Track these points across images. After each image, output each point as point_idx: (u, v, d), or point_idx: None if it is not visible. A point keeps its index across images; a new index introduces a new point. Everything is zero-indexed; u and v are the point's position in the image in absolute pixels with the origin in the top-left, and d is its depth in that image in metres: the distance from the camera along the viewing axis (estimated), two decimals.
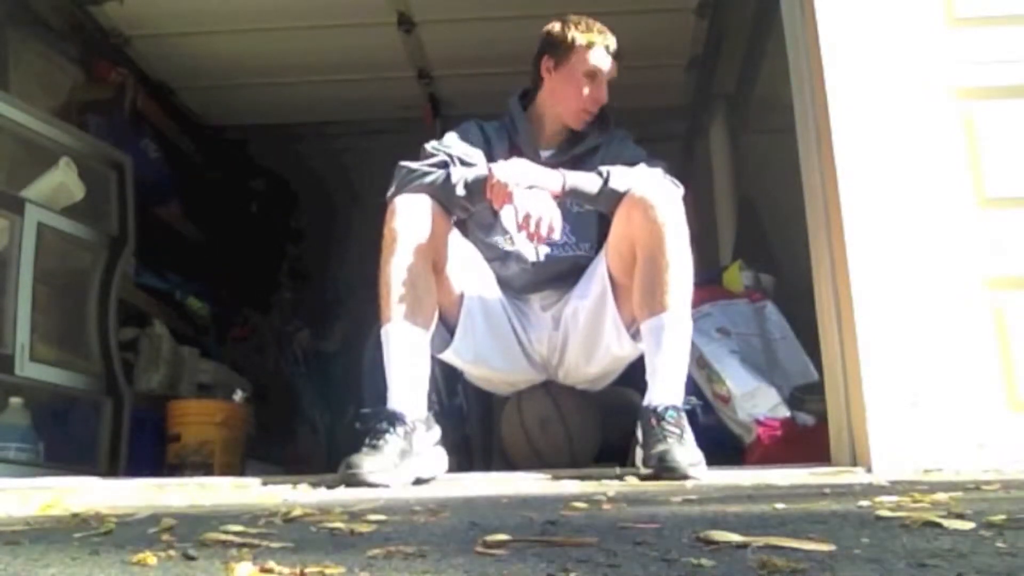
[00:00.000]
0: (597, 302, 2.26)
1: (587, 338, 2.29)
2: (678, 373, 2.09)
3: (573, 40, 2.38)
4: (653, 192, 2.13)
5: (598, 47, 2.38)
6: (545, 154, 2.41)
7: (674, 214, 2.10)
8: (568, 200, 2.25)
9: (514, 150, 2.42)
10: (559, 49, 2.40)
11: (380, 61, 4.22)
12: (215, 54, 4.14)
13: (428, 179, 2.18)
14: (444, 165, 2.24)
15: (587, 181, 2.19)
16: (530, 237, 2.12)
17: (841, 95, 2.25)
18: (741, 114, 4.44)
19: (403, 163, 2.24)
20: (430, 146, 2.33)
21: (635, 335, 2.22)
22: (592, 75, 2.36)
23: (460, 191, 2.16)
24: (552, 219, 2.09)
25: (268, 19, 3.87)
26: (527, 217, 2.08)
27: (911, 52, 2.30)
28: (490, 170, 2.15)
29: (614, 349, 2.27)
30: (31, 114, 3.23)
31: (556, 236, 2.12)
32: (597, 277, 2.27)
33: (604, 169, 2.20)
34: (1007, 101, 2.27)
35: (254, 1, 3.77)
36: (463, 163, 2.28)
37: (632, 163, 2.30)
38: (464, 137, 2.39)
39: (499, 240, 2.38)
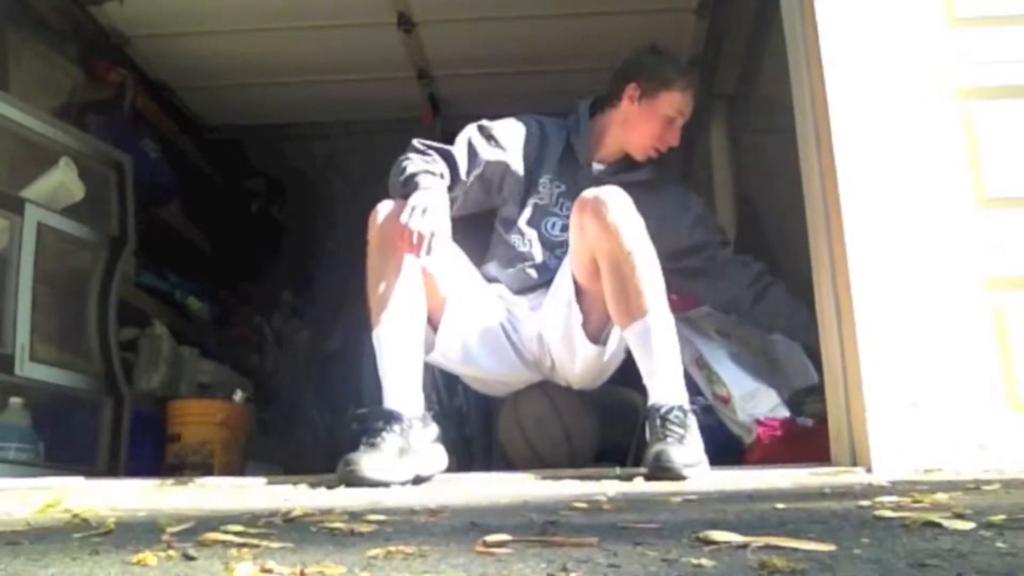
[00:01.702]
0: (565, 309, 2.25)
1: (563, 342, 2.29)
2: (675, 371, 2.08)
3: (668, 81, 2.39)
4: (597, 193, 2.10)
5: (688, 94, 2.39)
6: (597, 168, 2.42)
7: (624, 210, 2.08)
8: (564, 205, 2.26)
9: (568, 152, 2.42)
10: (651, 83, 2.39)
11: (380, 61, 4.22)
12: (215, 54, 4.14)
13: (402, 173, 2.18)
14: (445, 155, 2.25)
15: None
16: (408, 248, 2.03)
17: (841, 95, 2.24)
18: (741, 114, 4.44)
19: (402, 157, 2.25)
20: (470, 133, 2.34)
21: (606, 340, 2.22)
22: (672, 119, 2.38)
23: (399, 189, 2.16)
24: (424, 232, 1.98)
25: (268, 19, 3.87)
26: (401, 231, 2.00)
27: (911, 52, 2.29)
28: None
29: (586, 354, 2.27)
30: (31, 114, 3.23)
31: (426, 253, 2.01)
32: (563, 284, 2.25)
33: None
34: (1007, 101, 2.27)
35: (254, 1, 3.77)
36: (487, 160, 2.31)
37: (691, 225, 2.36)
38: (513, 130, 2.39)
39: (515, 239, 2.39)
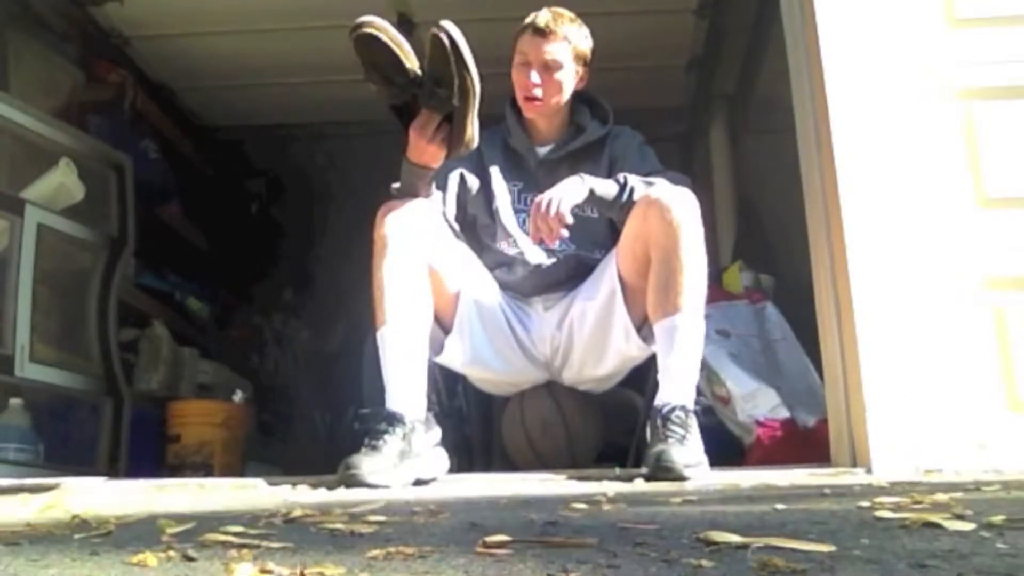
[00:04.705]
0: (606, 303, 2.24)
1: (595, 339, 2.28)
2: (689, 374, 2.08)
3: (515, 36, 2.36)
4: (670, 193, 2.12)
5: (525, 33, 2.33)
6: (542, 151, 2.39)
7: (690, 216, 2.09)
8: (586, 206, 2.25)
9: (508, 152, 2.41)
10: (512, 48, 2.37)
11: None
12: (215, 55, 4.14)
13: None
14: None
15: (606, 187, 2.18)
16: (537, 235, 2.13)
17: (841, 95, 2.24)
18: (741, 115, 4.44)
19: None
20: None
21: (645, 337, 2.21)
22: (526, 64, 2.32)
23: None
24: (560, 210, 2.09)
25: (268, 20, 3.87)
26: (538, 205, 2.09)
27: (911, 52, 2.30)
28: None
29: (623, 350, 2.26)
30: (31, 115, 3.23)
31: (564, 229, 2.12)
32: (606, 278, 2.25)
33: (622, 176, 2.19)
34: (1007, 102, 2.27)
35: (254, 2, 3.77)
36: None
37: (647, 173, 2.26)
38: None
39: (503, 246, 2.37)
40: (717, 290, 3.22)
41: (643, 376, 2.31)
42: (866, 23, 2.30)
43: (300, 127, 4.90)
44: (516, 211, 2.39)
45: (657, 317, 2.10)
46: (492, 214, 2.38)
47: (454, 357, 2.28)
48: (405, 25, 3.91)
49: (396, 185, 2.20)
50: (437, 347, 2.23)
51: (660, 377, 2.09)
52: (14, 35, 3.44)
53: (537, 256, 2.34)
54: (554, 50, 2.30)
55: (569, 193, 2.13)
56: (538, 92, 2.31)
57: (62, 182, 3.26)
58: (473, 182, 2.39)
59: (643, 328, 2.20)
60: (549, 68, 2.31)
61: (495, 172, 2.39)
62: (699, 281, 2.10)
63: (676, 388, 2.05)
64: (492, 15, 3.71)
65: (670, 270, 2.07)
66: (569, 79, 2.34)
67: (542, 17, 2.32)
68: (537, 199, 2.13)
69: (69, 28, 3.77)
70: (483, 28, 3.82)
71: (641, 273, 2.15)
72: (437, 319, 2.21)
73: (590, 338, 2.29)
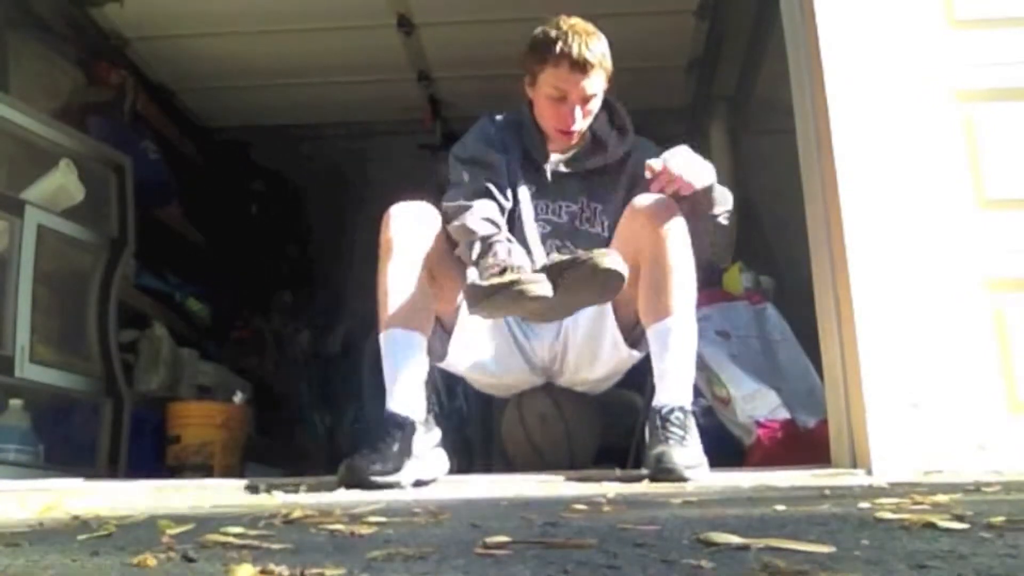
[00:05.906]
0: (597, 309, 2.25)
1: (587, 345, 2.29)
2: (685, 375, 2.09)
3: (540, 60, 2.23)
4: (655, 201, 2.12)
5: (560, 66, 2.19)
6: (557, 158, 2.34)
7: (676, 221, 2.10)
8: (577, 220, 2.25)
9: (526, 154, 2.35)
10: (531, 65, 2.26)
11: (380, 63, 4.22)
12: (215, 56, 4.14)
13: (465, 221, 2.12)
14: (483, 191, 2.21)
15: (719, 193, 2.22)
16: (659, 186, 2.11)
17: (841, 97, 2.24)
18: (741, 115, 4.44)
19: (447, 202, 2.19)
20: (459, 162, 2.28)
21: (634, 343, 2.22)
22: (563, 99, 2.22)
23: (468, 254, 2.10)
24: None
25: (268, 21, 3.88)
26: (668, 170, 2.08)
27: (911, 54, 2.30)
28: (666, 162, 2.10)
29: (614, 355, 2.28)
30: (31, 116, 3.23)
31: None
32: None
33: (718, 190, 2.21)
34: (1007, 103, 2.27)
35: (254, 3, 3.78)
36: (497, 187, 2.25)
37: None
38: (485, 149, 2.31)
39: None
40: (717, 291, 3.21)
41: (642, 376, 2.31)
42: (866, 24, 2.30)
43: (300, 128, 4.90)
44: (532, 218, 2.32)
45: (650, 322, 2.11)
46: (513, 219, 2.32)
47: (455, 361, 2.28)
48: (405, 26, 3.92)
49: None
50: (440, 353, 2.24)
51: (656, 381, 2.10)
52: (14, 36, 3.44)
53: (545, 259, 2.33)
54: (593, 84, 2.22)
55: (698, 177, 2.14)
56: (578, 127, 2.26)
57: (62, 183, 3.26)
58: (502, 178, 2.30)
59: (635, 329, 2.21)
60: (587, 100, 2.25)
61: (515, 174, 2.32)
62: (689, 283, 2.11)
63: (673, 389, 2.06)
64: (492, 16, 3.73)
65: (660, 275, 2.09)
66: (600, 100, 2.29)
67: (575, 47, 2.17)
68: (669, 161, 2.09)
69: (69, 29, 3.77)
70: (483, 29, 3.86)
71: (630, 280, 2.14)
72: (439, 322, 2.22)
73: (583, 345, 2.31)
